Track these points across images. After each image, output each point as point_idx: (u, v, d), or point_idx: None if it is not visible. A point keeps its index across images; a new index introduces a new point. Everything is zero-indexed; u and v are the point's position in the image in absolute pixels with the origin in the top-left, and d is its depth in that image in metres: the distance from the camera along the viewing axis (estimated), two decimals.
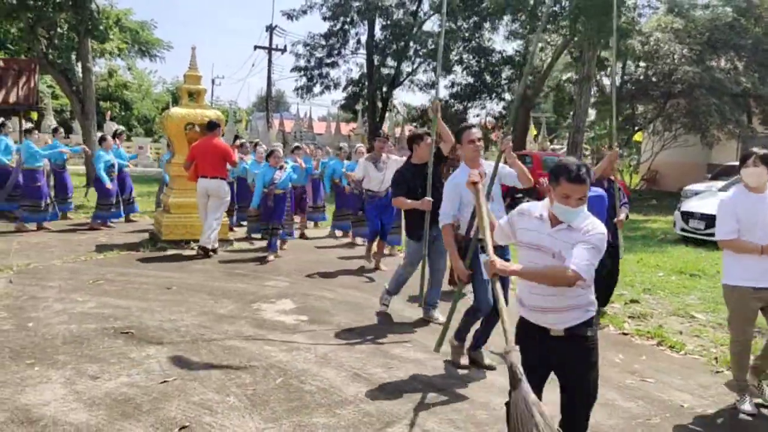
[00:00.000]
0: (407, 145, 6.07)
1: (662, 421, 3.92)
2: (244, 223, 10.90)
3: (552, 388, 3.00)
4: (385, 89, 27.02)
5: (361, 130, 26.62)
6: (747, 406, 4.03)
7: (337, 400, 4.01)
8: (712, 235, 11.05)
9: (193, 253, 8.79)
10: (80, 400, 3.84)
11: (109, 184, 10.60)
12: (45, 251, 8.43)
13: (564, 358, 2.88)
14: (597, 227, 2.76)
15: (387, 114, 28.55)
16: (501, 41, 54.21)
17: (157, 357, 4.64)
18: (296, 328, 5.57)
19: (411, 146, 5.93)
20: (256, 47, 34.87)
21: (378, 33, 26.04)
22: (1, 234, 9.66)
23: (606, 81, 25.20)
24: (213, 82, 53.91)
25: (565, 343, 2.86)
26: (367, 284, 7.43)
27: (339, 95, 79.03)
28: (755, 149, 4.13)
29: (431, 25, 26.40)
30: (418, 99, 77.41)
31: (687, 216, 11.72)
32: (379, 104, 27.16)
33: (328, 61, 26.34)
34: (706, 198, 12.50)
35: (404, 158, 8.44)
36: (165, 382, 4.16)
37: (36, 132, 11.02)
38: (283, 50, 33.93)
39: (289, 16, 26.00)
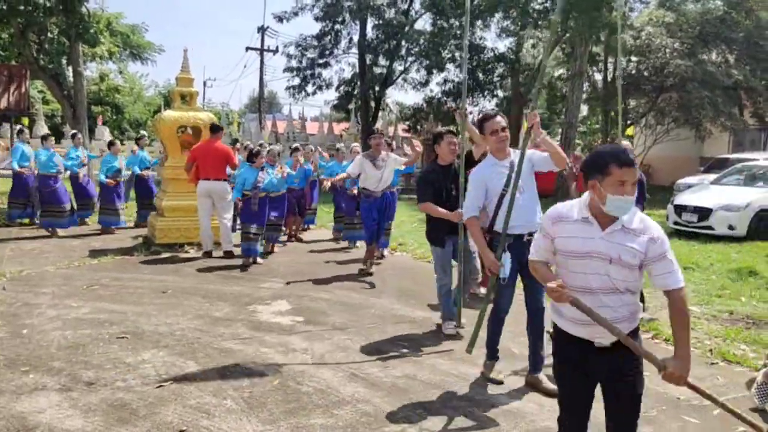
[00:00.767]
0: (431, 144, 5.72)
1: (659, 413, 3.93)
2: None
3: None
4: (377, 88, 27.02)
5: (354, 130, 26.60)
6: None
7: (335, 400, 4.01)
8: (705, 228, 11.21)
9: (188, 255, 8.78)
10: (76, 406, 3.82)
11: (110, 182, 10.72)
12: (39, 257, 8.39)
13: (611, 371, 2.63)
14: (652, 225, 2.53)
15: (380, 113, 28.54)
16: (493, 39, 54.10)
17: (153, 361, 4.62)
18: (292, 329, 5.56)
19: (433, 147, 5.57)
20: (247, 49, 34.88)
21: (370, 32, 26.06)
22: None
23: (598, 76, 25.27)
24: (205, 84, 53.81)
25: (611, 354, 2.61)
26: (362, 285, 7.43)
27: (331, 95, 79.05)
28: None
29: (423, 23, 26.45)
30: (411, 98, 77.53)
31: (680, 209, 11.77)
32: (372, 104, 27.16)
33: (320, 61, 26.34)
34: (698, 191, 12.56)
35: (404, 158, 8.38)
36: (161, 386, 4.15)
37: (51, 138, 11.00)
38: (275, 51, 33.91)
39: (280, 19, 25.99)
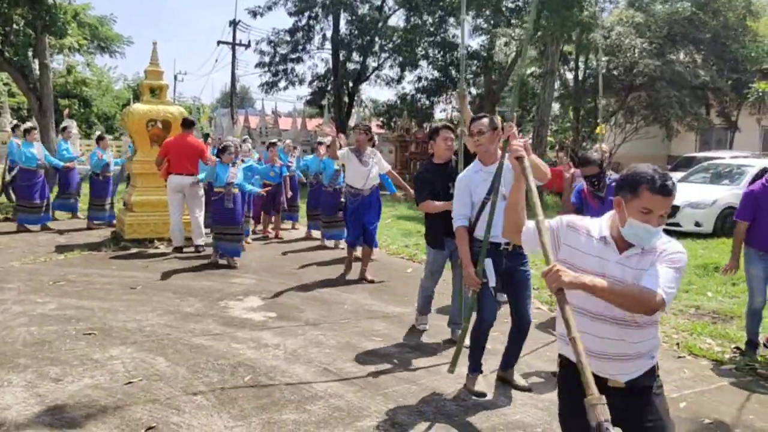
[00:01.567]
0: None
1: None
2: None
3: None
4: (351, 84, 26.93)
5: (326, 125, 26.49)
6: None
7: (307, 395, 3.99)
8: (673, 225, 11.42)
9: (158, 251, 8.66)
10: (43, 403, 3.74)
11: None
12: (3, 252, 8.19)
13: (626, 415, 2.28)
14: (675, 245, 2.27)
15: (354, 109, 28.47)
16: (466, 36, 54.16)
17: (122, 358, 4.55)
18: (264, 324, 5.52)
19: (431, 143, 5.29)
20: (219, 42, 34.50)
21: (343, 28, 25.93)
22: None
23: (569, 75, 25.56)
24: (176, 78, 53.08)
25: (626, 396, 2.30)
26: (337, 280, 7.40)
27: (305, 91, 78.57)
28: None
29: (396, 20, 26.40)
30: (385, 94, 77.52)
31: None
32: (346, 99, 27.07)
33: (293, 56, 26.17)
34: None
35: (388, 166, 7.60)
36: (130, 383, 4.09)
37: (35, 131, 10.81)
38: (247, 45, 33.63)
39: (254, 14, 25.74)
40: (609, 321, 2.28)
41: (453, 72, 24.40)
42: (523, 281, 4.14)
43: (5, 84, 31.24)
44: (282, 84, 26.45)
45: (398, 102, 25.79)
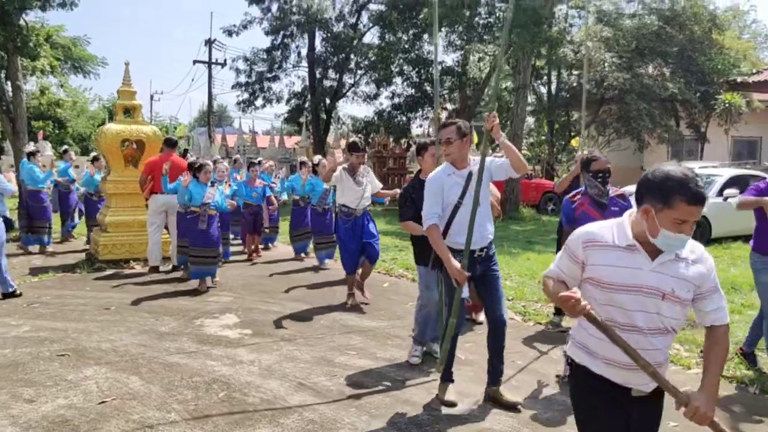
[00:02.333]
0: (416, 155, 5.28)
1: None
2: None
3: None
4: (328, 101, 27.11)
5: (306, 143, 26.58)
6: None
7: (281, 409, 4.03)
8: None
9: (134, 271, 8.64)
10: (16, 423, 3.74)
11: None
12: None
13: (638, 422, 2.29)
14: (706, 254, 2.23)
15: (331, 126, 28.62)
16: (440, 52, 54.74)
17: (95, 378, 4.55)
18: (240, 341, 5.54)
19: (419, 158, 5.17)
20: (195, 62, 34.50)
21: (319, 46, 26.21)
22: None
23: (542, 89, 25.98)
24: (152, 98, 52.80)
25: (643, 403, 2.28)
26: (314, 296, 7.44)
27: (282, 108, 78.73)
28: None
29: (371, 37, 26.73)
30: (363, 111, 77.88)
31: None
32: (323, 116, 27.23)
33: (269, 75, 26.30)
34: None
35: (380, 184, 7.21)
36: (103, 402, 4.09)
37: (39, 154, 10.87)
38: (223, 64, 33.76)
39: (230, 33, 25.85)
40: (641, 332, 2.20)
41: (428, 88, 24.70)
42: (494, 282, 4.19)
43: None
44: (259, 102, 26.61)
45: (375, 118, 26.01)
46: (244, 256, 10.06)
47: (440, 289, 4.56)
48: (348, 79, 27.02)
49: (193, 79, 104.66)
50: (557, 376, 4.74)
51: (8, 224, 9.65)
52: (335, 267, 9.06)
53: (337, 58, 25.70)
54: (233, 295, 7.38)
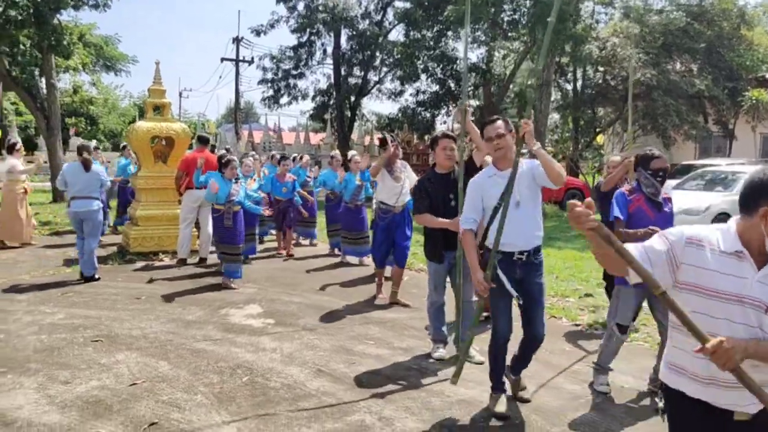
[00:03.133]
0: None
1: (602, 401, 4.24)
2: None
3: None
4: (353, 99, 27.35)
5: (330, 139, 26.88)
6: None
7: (300, 394, 4.24)
8: None
9: (163, 263, 8.94)
10: (53, 403, 4.00)
11: None
12: (13, 267, 8.48)
13: None
14: None
15: (356, 123, 28.86)
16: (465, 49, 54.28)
17: (127, 362, 4.80)
18: (263, 330, 5.77)
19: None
20: (222, 59, 35.00)
21: (344, 43, 26.41)
22: None
23: (568, 86, 25.87)
24: (180, 95, 53.76)
25: (746, 429, 2.08)
26: (335, 289, 7.65)
27: (308, 105, 79.41)
28: None
29: (396, 34, 26.84)
30: (387, 108, 78.04)
31: None
32: (348, 113, 27.48)
33: (295, 72, 26.62)
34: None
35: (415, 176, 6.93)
36: (134, 384, 4.34)
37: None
38: (250, 62, 34.12)
39: (257, 33, 26.25)
40: None
41: (452, 85, 24.74)
42: (538, 294, 3.93)
43: (13, 103, 31.80)
44: (284, 99, 26.91)
45: (399, 115, 26.16)
46: (273, 252, 10.11)
47: (458, 287, 4.66)
48: (373, 77, 27.22)
49: (220, 77, 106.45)
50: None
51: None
52: (360, 262, 9.29)
53: (362, 55, 25.90)
54: (257, 286, 7.62)
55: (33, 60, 16.53)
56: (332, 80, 26.96)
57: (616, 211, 4.41)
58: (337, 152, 11.35)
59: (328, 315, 6.37)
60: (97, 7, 15.19)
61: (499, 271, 3.78)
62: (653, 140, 21.58)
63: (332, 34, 26.15)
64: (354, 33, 25.79)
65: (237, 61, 34.19)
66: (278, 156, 10.77)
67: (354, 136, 28.22)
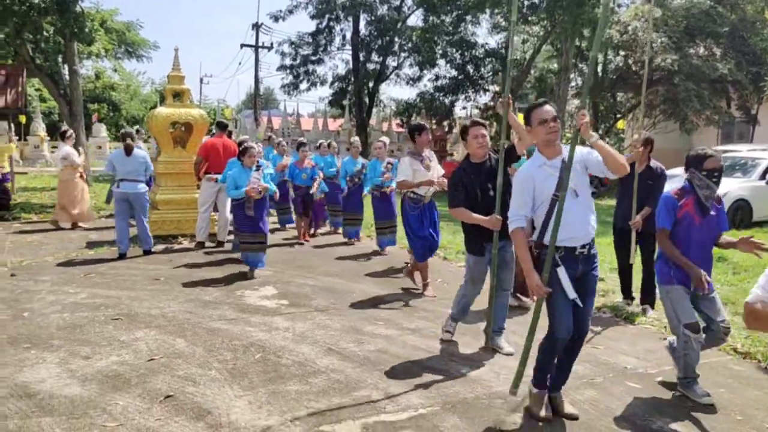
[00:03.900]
0: (461, 138, 5.11)
1: (604, 380, 4.33)
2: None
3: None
4: (371, 84, 27.40)
5: (349, 125, 26.97)
6: None
7: (311, 371, 4.38)
8: None
9: (182, 246, 9.15)
10: (74, 377, 4.19)
11: None
12: (38, 249, 8.75)
13: None
14: None
15: (374, 109, 28.91)
16: (484, 34, 54.05)
17: (145, 339, 4.99)
18: (277, 311, 5.93)
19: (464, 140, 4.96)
20: (242, 45, 35.21)
21: (363, 29, 26.44)
22: None
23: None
24: (201, 81, 54.22)
25: None
26: (349, 272, 7.79)
27: (326, 91, 79.36)
28: None
29: (415, 20, 26.80)
30: (405, 93, 77.65)
31: None
32: (366, 99, 27.55)
33: (314, 58, 26.73)
34: (675, 182, 12.92)
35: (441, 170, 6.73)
36: (152, 360, 4.52)
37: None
38: (270, 48, 34.27)
39: (276, 18, 26.39)
40: None
41: (471, 70, 24.64)
42: (592, 287, 3.72)
43: (37, 90, 32.34)
44: (304, 85, 27.06)
45: (417, 100, 26.15)
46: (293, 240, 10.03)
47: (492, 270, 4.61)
48: (391, 62, 27.23)
49: (240, 63, 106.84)
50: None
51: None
52: (367, 242, 9.42)
53: (381, 41, 25.91)
54: (273, 269, 7.78)
55: (56, 47, 16.82)
56: (351, 66, 27.04)
57: (663, 221, 4.13)
58: (356, 139, 11.27)
59: (339, 296, 6.52)
60: None
61: (560, 271, 3.51)
62: (673, 125, 21.38)
63: (351, 20, 26.20)
64: (373, 18, 25.80)
65: (256, 47, 34.35)
66: (289, 143, 10.74)
67: (372, 121, 28.27)
